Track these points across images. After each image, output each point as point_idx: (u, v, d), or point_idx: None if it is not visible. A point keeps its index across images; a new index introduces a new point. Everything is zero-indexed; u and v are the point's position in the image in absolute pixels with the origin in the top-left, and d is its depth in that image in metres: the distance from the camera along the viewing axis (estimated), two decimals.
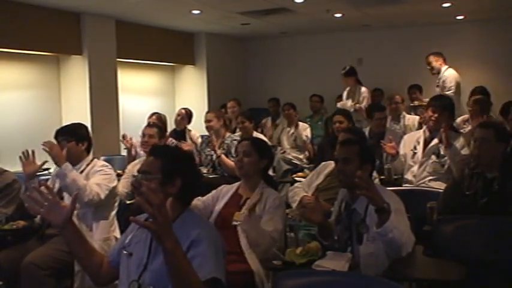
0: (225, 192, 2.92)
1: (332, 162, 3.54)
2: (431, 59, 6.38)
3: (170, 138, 5.61)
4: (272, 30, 8.17)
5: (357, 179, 2.19)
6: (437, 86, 6.31)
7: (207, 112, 5.26)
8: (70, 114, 6.26)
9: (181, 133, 6.07)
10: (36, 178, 3.19)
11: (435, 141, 3.91)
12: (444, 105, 3.96)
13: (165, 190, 1.89)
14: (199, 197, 2.84)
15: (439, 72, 6.32)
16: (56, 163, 3.12)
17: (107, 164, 3.35)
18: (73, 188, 2.99)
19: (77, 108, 6.36)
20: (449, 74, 6.27)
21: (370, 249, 2.30)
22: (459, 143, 3.84)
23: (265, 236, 2.60)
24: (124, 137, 4.68)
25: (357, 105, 6.43)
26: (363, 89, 6.61)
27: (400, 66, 8.10)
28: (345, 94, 6.70)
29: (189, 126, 6.34)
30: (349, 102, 6.49)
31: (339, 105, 6.65)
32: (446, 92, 6.07)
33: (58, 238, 3.05)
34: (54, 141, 3.27)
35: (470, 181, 2.91)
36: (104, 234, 3.17)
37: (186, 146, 5.62)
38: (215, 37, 8.52)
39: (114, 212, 3.32)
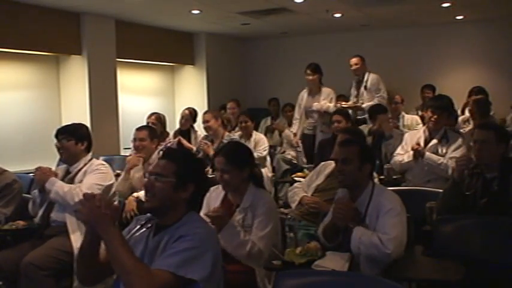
0: (214, 197, 2.83)
1: (332, 162, 3.54)
2: (359, 61, 6.31)
3: (169, 138, 5.62)
4: (272, 30, 8.17)
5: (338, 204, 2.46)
6: (365, 88, 6.18)
7: (205, 112, 5.25)
8: (69, 114, 6.26)
9: (186, 133, 6.05)
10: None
11: (434, 141, 3.93)
12: (443, 106, 3.97)
13: (177, 194, 1.90)
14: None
15: (362, 74, 6.27)
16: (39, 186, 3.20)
17: (103, 163, 3.35)
18: (57, 199, 3.11)
19: (77, 108, 6.36)
20: (378, 78, 6.23)
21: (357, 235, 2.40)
22: (457, 143, 3.87)
23: (243, 246, 2.53)
24: None
25: (339, 104, 5.92)
26: (328, 89, 6.04)
27: (400, 66, 8.11)
28: (305, 95, 6.14)
29: (196, 125, 6.30)
30: (328, 104, 5.92)
31: (315, 107, 5.98)
32: (382, 94, 6.12)
33: (56, 238, 3.06)
34: (55, 140, 3.29)
35: (470, 181, 2.91)
36: None
37: (187, 145, 5.60)
38: (215, 37, 8.52)
39: None
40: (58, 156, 3.50)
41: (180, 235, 1.81)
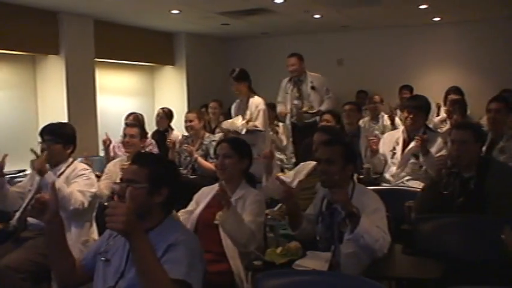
0: (206, 193, 2.90)
1: (311, 162, 3.55)
2: (297, 60, 5.73)
3: (149, 139, 5.56)
4: (252, 30, 8.18)
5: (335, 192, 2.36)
6: (313, 88, 5.64)
7: (188, 112, 5.21)
8: (46, 115, 6.16)
9: (163, 133, 6.02)
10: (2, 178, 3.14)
11: (413, 143, 3.93)
12: (420, 106, 3.99)
13: (151, 199, 1.87)
14: (183, 210, 2.82)
15: (304, 74, 5.75)
16: (39, 173, 3.08)
17: (87, 167, 3.30)
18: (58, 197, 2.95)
19: (54, 109, 6.27)
20: (324, 78, 5.77)
21: (350, 248, 2.31)
22: (437, 143, 3.88)
23: (245, 229, 2.57)
24: (106, 136, 4.77)
25: (251, 123, 4.82)
26: (258, 99, 4.94)
27: (379, 67, 8.20)
28: (233, 108, 5.14)
29: (172, 125, 6.25)
30: (239, 121, 4.84)
31: (224, 126, 5.05)
32: (331, 95, 5.70)
33: (34, 241, 3.01)
34: (39, 139, 3.20)
35: (448, 180, 2.95)
36: (83, 237, 3.14)
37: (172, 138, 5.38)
38: (195, 37, 8.48)
39: (93, 214, 3.29)
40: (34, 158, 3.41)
41: (169, 244, 1.78)
